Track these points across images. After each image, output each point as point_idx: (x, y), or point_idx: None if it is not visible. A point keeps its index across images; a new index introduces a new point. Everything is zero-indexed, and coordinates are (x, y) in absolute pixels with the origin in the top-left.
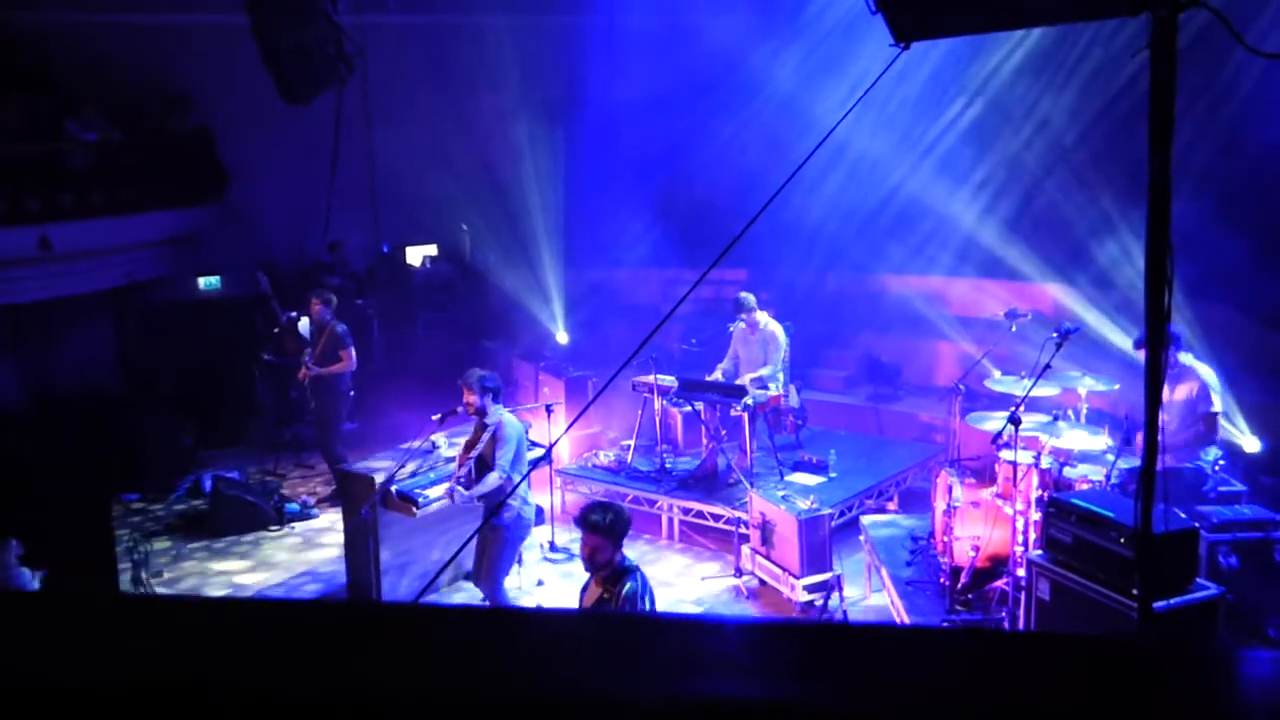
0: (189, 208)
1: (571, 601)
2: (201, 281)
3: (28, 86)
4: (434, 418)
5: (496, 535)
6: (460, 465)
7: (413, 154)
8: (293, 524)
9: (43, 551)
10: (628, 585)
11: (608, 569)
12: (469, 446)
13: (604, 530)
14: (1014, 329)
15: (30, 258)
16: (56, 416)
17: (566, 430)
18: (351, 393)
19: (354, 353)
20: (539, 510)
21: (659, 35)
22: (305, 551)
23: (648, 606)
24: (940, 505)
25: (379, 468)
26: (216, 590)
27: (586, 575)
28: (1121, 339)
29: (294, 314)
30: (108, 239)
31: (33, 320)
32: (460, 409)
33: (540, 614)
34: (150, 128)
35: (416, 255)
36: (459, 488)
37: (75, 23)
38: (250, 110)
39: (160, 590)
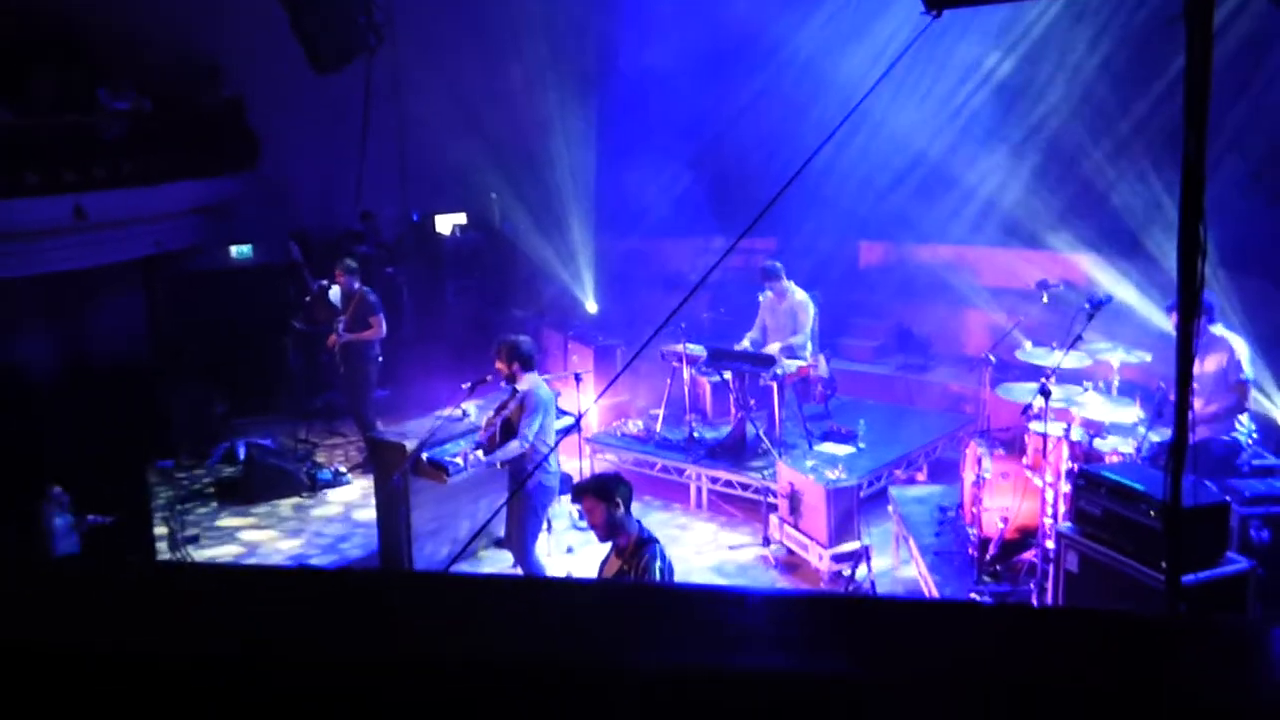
0: (220, 176)
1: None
2: (233, 250)
3: (60, 57)
4: (464, 386)
5: (522, 502)
6: (485, 430)
7: (441, 122)
8: (325, 490)
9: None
10: (645, 557)
11: (615, 536)
12: (498, 411)
13: (592, 491)
14: (1045, 299)
15: (65, 227)
16: (90, 385)
17: (597, 399)
18: (381, 359)
19: (383, 320)
20: (567, 477)
21: (687, 1)
22: (338, 518)
23: (663, 578)
24: (969, 476)
25: (410, 434)
26: (250, 556)
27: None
28: (1155, 310)
29: (325, 282)
30: (140, 208)
31: (66, 290)
32: (491, 376)
33: (566, 583)
34: (182, 97)
35: (446, 224)
36: (475, 452)
37: None
38: (281, 79)
39: (195, 554)
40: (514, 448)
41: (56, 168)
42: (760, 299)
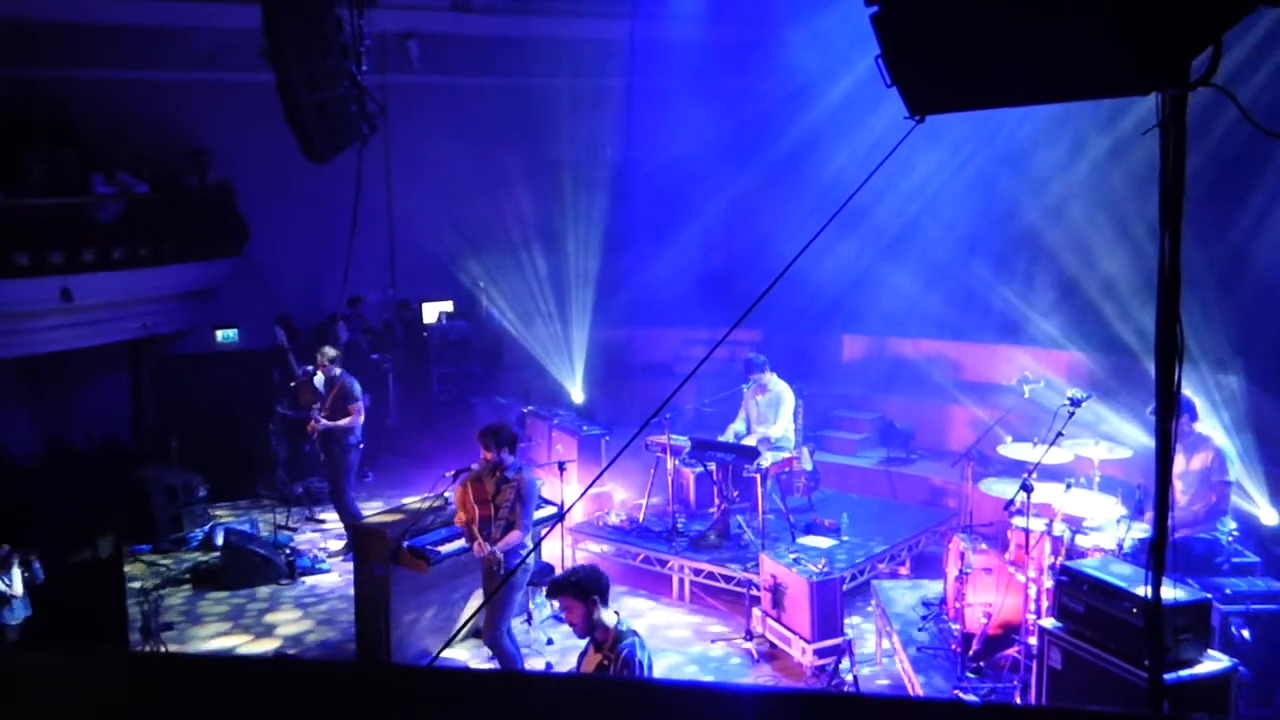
0: (209, 261)
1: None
2: (219, 334)
3: (53, 140)
4: (448, 474)
5: (509, 580)
6: (490, 522)
7: (431, 210)
8: (304, 578)
9: (54, 603)
10: (624, 650)
11: (593, 631)
12: (481, 500)
13: (570, 590)
14: (1026, 394)
15: (51, 309)
16: (71, 467)
17: (583, 494)
18: (362, 446)
19: (364, 407)
20: (549, 568)
21: (679, 96)
22: (316, 605)
23: (643, 672)
24: (953, 571)
25: (391, 522)
26: (226, 644)
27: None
28: (1137, 407)
29: (310, 368)
30: (128, 291)
31: (50, 371)
32: (475, 466)
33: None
34: (173, 182)
35: (432, 311)
36: (496, 551)
37: (100, 79)
38: (270, 166)
39: (170, 643)
40: (517, 538)
41: (45, 249)
42: (744, 390)
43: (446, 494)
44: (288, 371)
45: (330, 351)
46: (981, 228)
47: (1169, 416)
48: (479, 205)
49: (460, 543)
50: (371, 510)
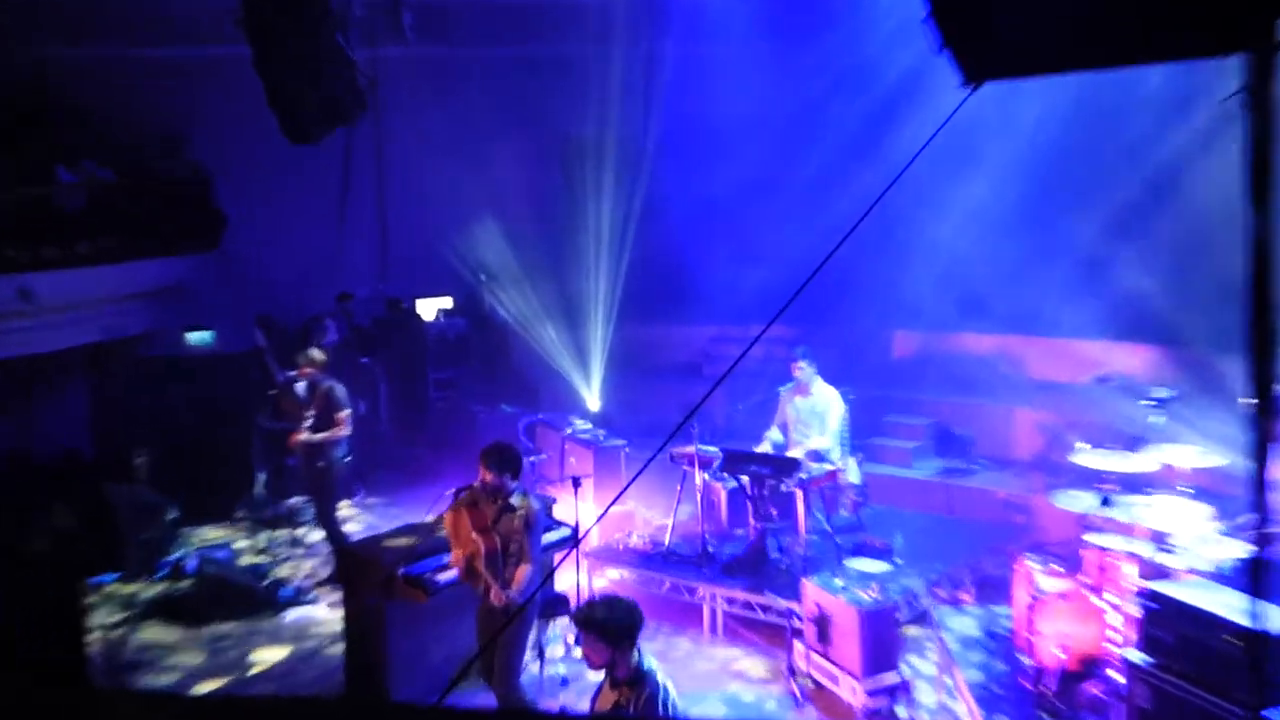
0: (181, 255)
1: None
2: (192, 336)
3: (18, 128)
4: (448, 492)
5: (513, 623)
6: (498, 558)
7: (428, 197)
8: (287, 610)
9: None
10: (647, 688)
11: (614, 672)
12: (481, 529)
13: (597, 627)
14: (1104, 395)
15: (9, 311)
16: (30, 484)
17: (600, 517)
18: (350, 459)
19: (350, 415)
20: (565, 600)
21: (716, 63)
22: (301, 641)
23: (669, 713)
24: (1022, 597)
25: (385, 546)
26: (201, 684)
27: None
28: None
29: (292, 373)
30: (94, 289)
31: (6, 379)
32: (479, 484)
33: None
34: (143, 170)
35: (429, 308)
36: (508, 592)
37: (69, 57)
38: (251, 151)
39: (138, 684)
40: (528, 575)
41: (2, 244)
42: (781, 393)
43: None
44: (268, 378)
45: (315, 354)
46: (1051, 204)
47: (1265, 415)
48: (481, 190)
49: None
50: (363, 532)
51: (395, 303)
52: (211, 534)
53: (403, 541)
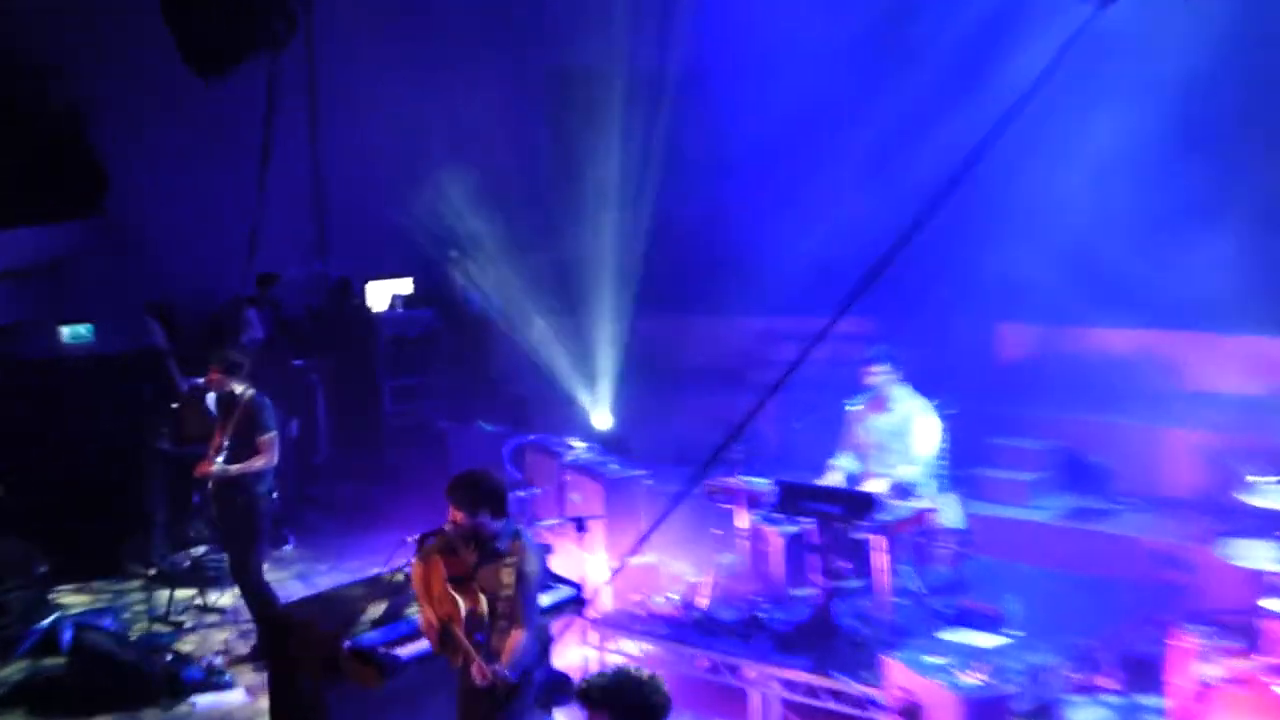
0: (53, 223)
1: None
2: (65, 331)
3: None
4: (409, 538)
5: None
6: (481, 622)
7: (377, 149)
8: (195, 696)
9: None
10: None
11: None
12: (460, 585)
13: (607, 705)
14: None
15: None
16: None
17: (619, 569)
18: (276, 495)
19: (276, 437)
20: (568, 681)
21: None
22: None
23: None
24: (1183, 682)
25: (325, 611)
26: None
27: None
28: None
29: (200, 381)
30: None
31: None
32: (450, 527)
33: None
34: None
35: (382, 293)
36: (505, 673)
37: None
38: (144, 87)
39: None
40: (523, 643)
41: None
42: (850, 409)
43: (406, 570)
44: (168, 387)
45: (231, 356)
46: (1217, 155)
47: None
48: (448, 140)
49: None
50: (296, 592)
51: (337, 286)
52: (92, 595)
53: (351, 603)
